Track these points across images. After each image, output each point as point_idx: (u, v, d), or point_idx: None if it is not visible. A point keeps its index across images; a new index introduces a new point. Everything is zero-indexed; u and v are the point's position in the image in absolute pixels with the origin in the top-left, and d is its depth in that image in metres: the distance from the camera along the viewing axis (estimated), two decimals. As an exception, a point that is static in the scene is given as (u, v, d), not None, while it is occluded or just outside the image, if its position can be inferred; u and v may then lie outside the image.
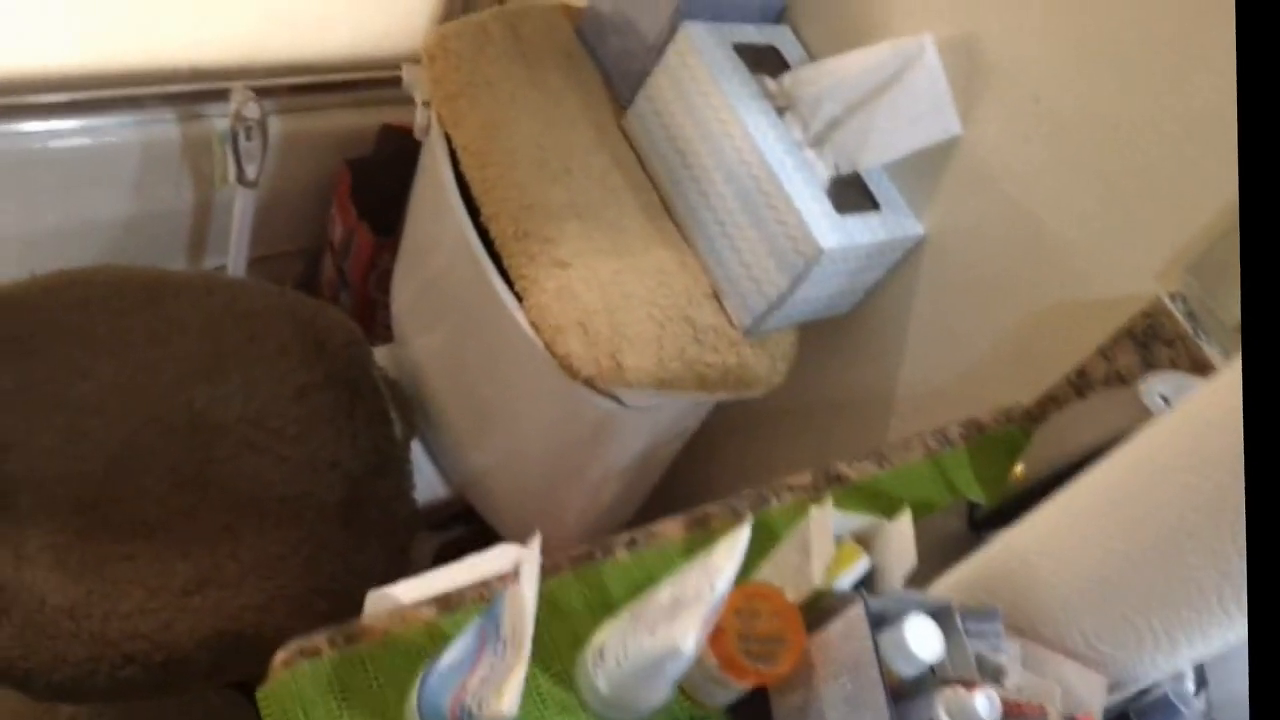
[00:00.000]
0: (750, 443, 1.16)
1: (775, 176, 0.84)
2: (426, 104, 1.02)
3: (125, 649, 0.91)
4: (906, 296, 0.94)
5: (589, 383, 0.88)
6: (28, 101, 1.21)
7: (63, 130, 1.24)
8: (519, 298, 0.91)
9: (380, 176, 1.36)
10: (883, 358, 0.98)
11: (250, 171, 1.22)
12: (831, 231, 0.83)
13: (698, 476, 1.24)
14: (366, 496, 1.06)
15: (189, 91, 1.30)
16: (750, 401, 0.96)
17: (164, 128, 1.29)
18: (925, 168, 0.89)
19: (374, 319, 1.44)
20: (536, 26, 1.02)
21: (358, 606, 1.03)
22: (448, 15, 1.41)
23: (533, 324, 0.89)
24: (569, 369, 0.88)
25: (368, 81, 1.42)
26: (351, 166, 1.37)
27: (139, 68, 1.26)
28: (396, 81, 1.42)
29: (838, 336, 1.01)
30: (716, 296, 0.92)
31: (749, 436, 1.16)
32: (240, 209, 1.27)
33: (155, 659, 0.92)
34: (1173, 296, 0.75)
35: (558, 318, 0.88)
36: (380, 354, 1.19)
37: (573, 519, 1.10)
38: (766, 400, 0.96)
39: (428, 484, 1.15)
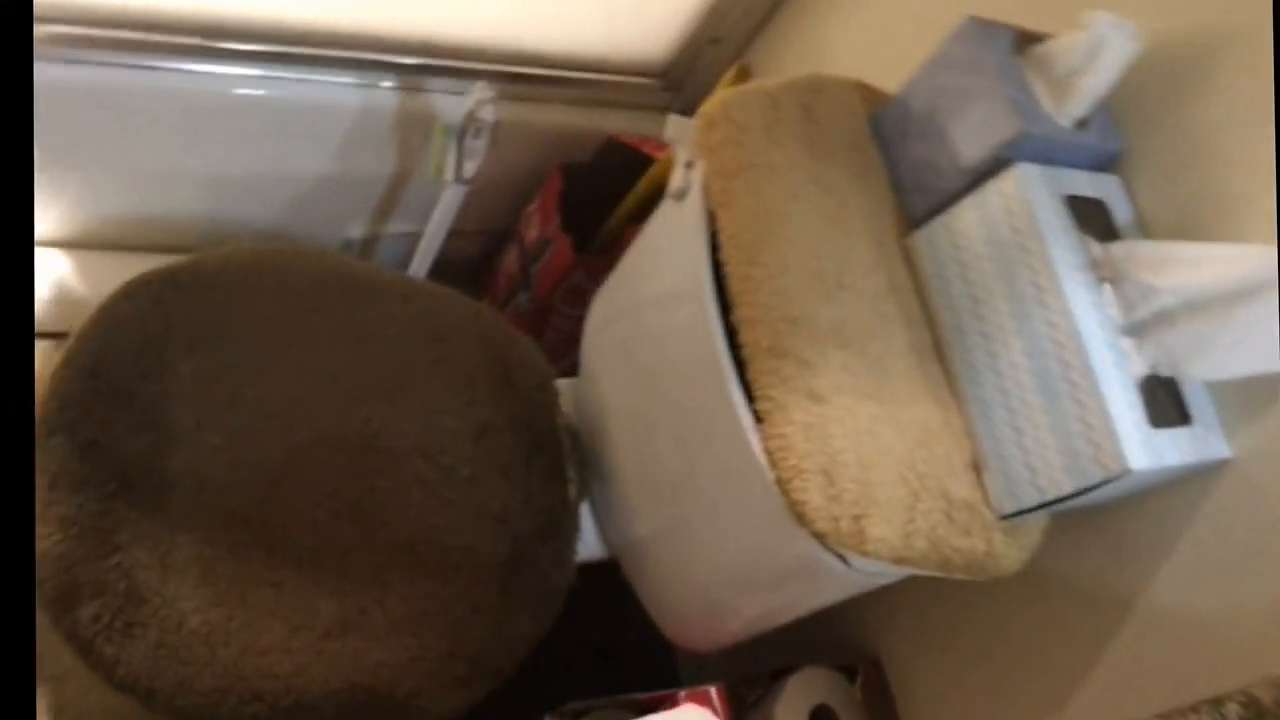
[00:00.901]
0: (938, 606, 1.06)
1: (1090, 369, 0.73)
2: (689, 165, 0.92)
3: (256, 687, 0.86)
4: (1188, 510, 0.82)
5: (818, 537, 0.78)
6: (252, 49, 1.14)
7: (281, 79, 1.18)
8: (757, 416, 0.82)
9: (593, 190, 1.27)
10: (1133, 564, 0.87)
11: (468, 169, 1.14)
12: (1142, 449, 0.72)
13: (861, 616, 1.15)
14: (527, 560, 0.99)
15: (415, 64, 1.22)
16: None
17: (382, 95, 1.23)
18: (1252, 388, 0.77)
19: (548, 326, 1.37)
20: (831, 109, 0.91)
21: (497, 676, 0.97)
22: (700, 33, 1.31)
23: (768, 452, 0.80)
24: (800, 516, 0.78)
25: (597, 83, 1.33)
26: (565, 171, 1.29)
27: (368, 30, 1.19)
28: (631, 89, 1.34)
29: (1088, 522, 0.90)
30: (976, 468, 0.81)
31: (939, 598, 1.06)
32: (447, 201, 1.20)
33: (283, 702, 0.87)
34: None
35: (801, 458, 0.78)
36: (561, 385, 1.11)
37: (728, 627, 1.01)
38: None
39: (585, 543, 1.08)
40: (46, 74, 1.07)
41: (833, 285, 0.84)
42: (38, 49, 1.05)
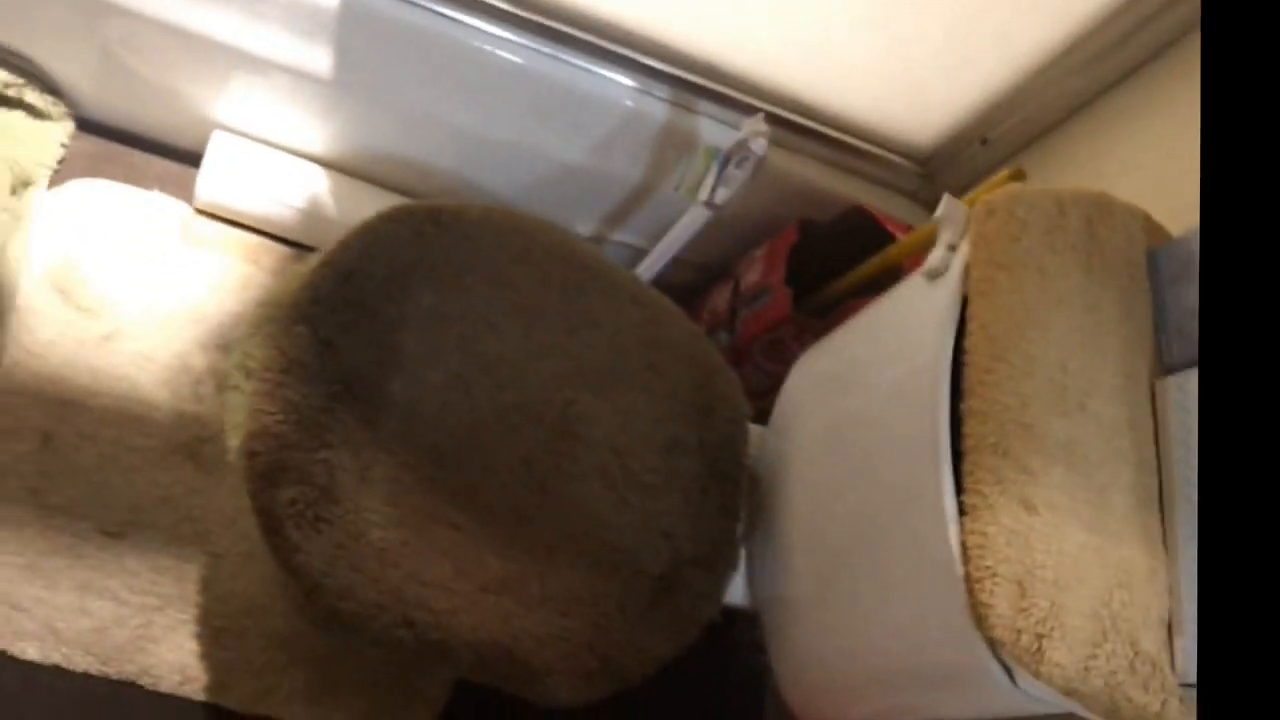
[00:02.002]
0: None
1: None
2: (952, 248, 0.94)
3: (410, 614, 0.90)
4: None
5: (992, 643, 0.78)
6: (551, 25, 1.22)
7: (567, 63, 1.24)
8: (961, 509, 0.82)
9: (825, 252, 1.29)
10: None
11: (721, 195, 1.18)
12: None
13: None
14: (681, 582, 1.01)
15: (693, 82, 1.27)
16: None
17: (653, 104, 1.28)
18: None
19: (739, 373, 1.39)
20: (1113, 231, 0.92)
21: (621, 682, 0.99)
22: (972, 130, 1.33)
23: (965, 547, 0.80)
24: (981, 619, 0.78)
25: (859, 151, 1.36)
26: (802, 227, 1.32)
27: (659, 38, 1.24)
28: (887, 165, 1.37)
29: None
30: (1170, 627, 0.80)
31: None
32: (688, 222, 1.24)
33: (430, 636, 0.90)
34: None
35: (998, 562, 0.78)
36: (750, 430, 1.13)
37: (855, 713, 1.01)
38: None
39: (734, 588, 1.09)
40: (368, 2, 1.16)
41: (1073, 403, 0.83)
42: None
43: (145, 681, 1.15)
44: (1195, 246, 0.89)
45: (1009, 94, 1.30)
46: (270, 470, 0.89)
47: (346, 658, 1.22)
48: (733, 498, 1.05)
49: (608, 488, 1.00)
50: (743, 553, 1.11)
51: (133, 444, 1.22)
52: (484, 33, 1.19)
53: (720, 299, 1.42)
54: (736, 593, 1.10)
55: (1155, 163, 1.16)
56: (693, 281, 1.53)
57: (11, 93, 1.25)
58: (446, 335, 0.98)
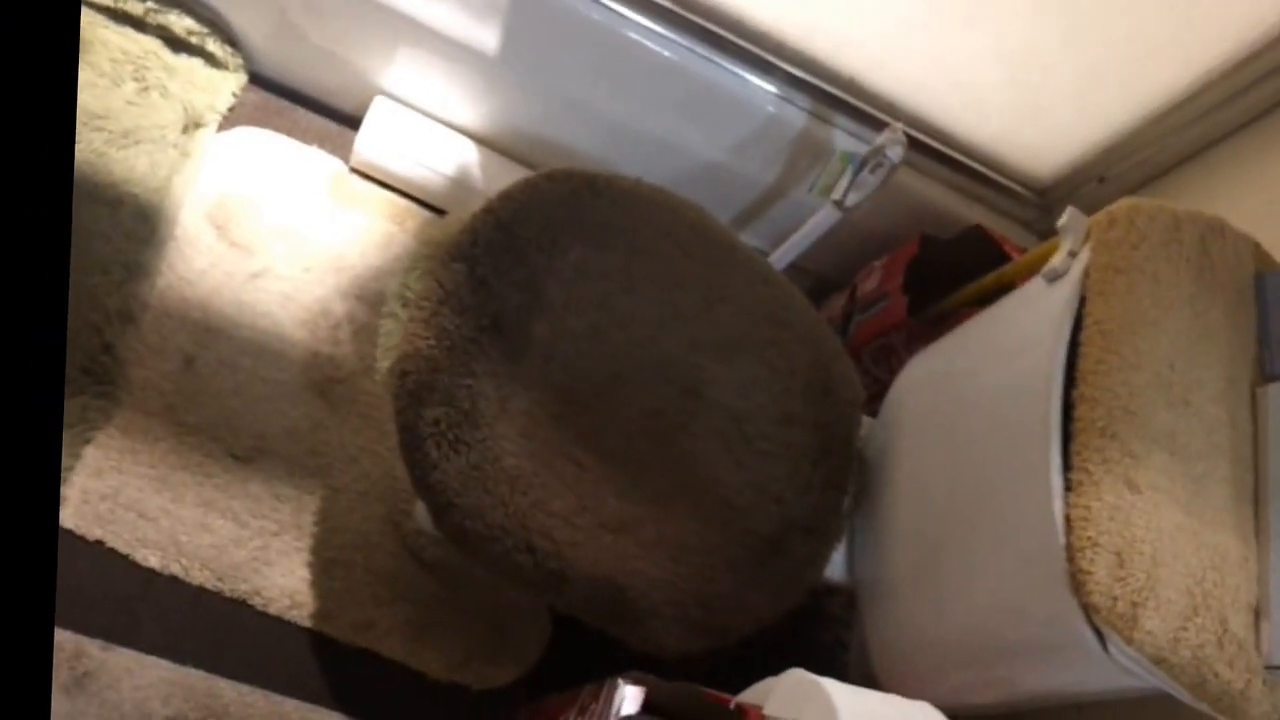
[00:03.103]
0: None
1: None
2: (1074, 254, 1.04)
3: (533, 541, 1.00)
4: None
5: (1089, 609, 0.87)
6: (706, 26, 1.34)
7: (717, 64, 1.37)
8: (1067, 484, 0.91)
9: (943, 266, 1.40)
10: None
11: (852, 199, 1.29)
12: None
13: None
14: (788, 546, 1.10)
15: (833, 95, 1.39)
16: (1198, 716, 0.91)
17: (793, 111, 1.39)
18: None
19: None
20: (1225, 252, 1.01)
21: (722, 634, 1.08)
22: (1090, 167, 1.44)
23: (1068, 520, 0.89)
24: (1079, 586, 0.87)
25: (984, 178, 1.47)
26: (923, 241, 1.42)
27: (807, 50, 1.36)
28: (1006, 192, 1.48)
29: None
30: (1258, 613, 0.88)
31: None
32: (817, 222, 1.35)
33: (548, 564, 1.01)
34: None
35: (1099, 533, 0.87)
36: (864, 423, 1.23)
37: (948, 691, 1.08)
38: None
39: (833, 564, 1.18)
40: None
41: (1177, 397, 0.93)
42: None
43: (256, 602, 1.26)
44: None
45: (1129, 136, 1.40)
46: (419, 390, 1.01)
47: (447, 601, 1.33)
48: (842, 474, 1.14)
49: (725, 449, 1.10)
50: (846, 533, 1.21)
51: (268, 376, 1.36)
52: (644, 28, 1.32)
53: (835, 306, 1.53)
54: (835, 569, 1.20)
55: (1264, 208, 1.25)
56: (810, 289, 1.64)
57: (195, 40, 1.41)
58: (589, 290, 1.10)
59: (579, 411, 1.06)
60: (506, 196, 1.09)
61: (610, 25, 1.32)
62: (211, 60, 1.44)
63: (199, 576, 1.24)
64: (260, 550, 1.28)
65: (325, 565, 1.30)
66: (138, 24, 1.40)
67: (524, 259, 1.08)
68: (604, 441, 1.06)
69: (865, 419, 1.24)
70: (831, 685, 0.79)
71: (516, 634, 1.34)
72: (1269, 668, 0.86)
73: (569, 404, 1.06)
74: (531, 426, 1.04)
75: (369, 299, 1.44)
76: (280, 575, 1.28)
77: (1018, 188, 1.49)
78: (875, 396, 1.28)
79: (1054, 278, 1.06)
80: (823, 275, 1.62)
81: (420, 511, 1.11)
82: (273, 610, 1.26)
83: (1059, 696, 1.02)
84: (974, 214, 1.47)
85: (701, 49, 1.34)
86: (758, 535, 1.08)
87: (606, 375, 1.08)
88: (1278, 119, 1.30)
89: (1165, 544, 0.87)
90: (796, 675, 0.82)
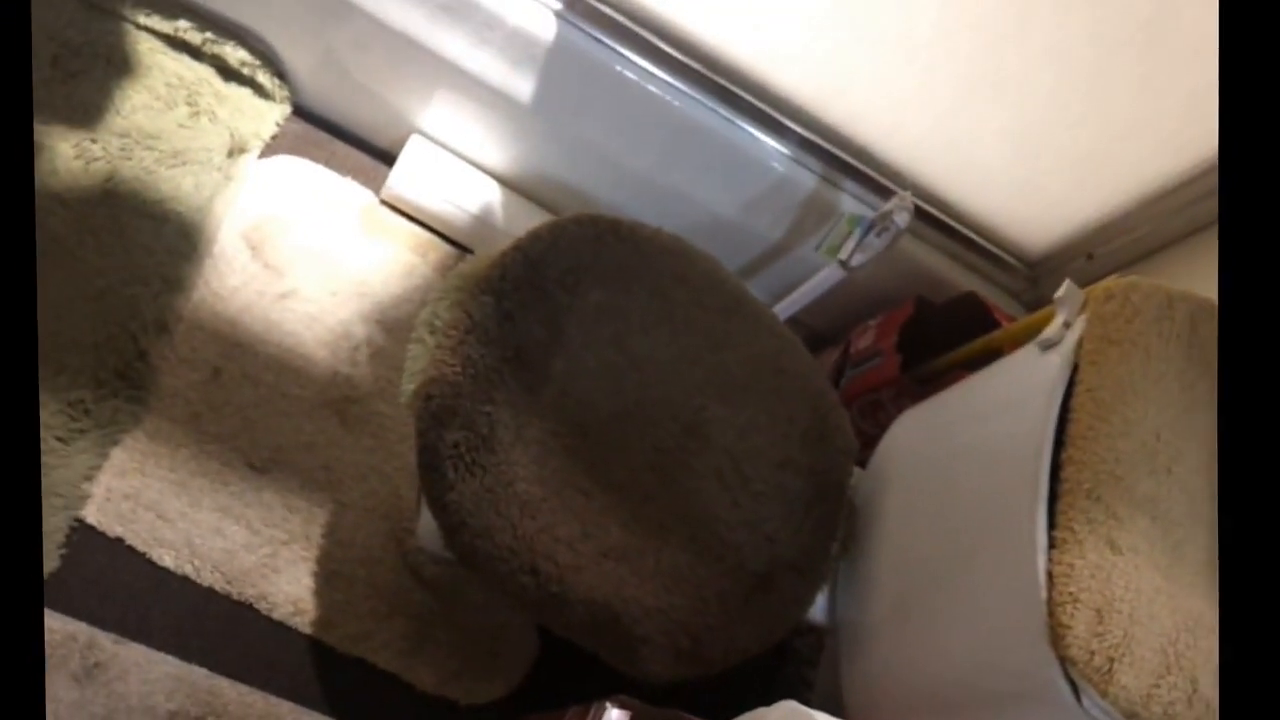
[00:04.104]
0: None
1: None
2: (1068, 325, 1.05)
3: (538, 564, 1.00)
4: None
5: (1066, 661, 0.87)
6: (731, 90, 1.37)
7: (736, 125, 1.39)
8: (1051, 543, 0.92)
9: (937, 328, 1.41)
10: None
11: (857, 260, 1.31)
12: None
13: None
14: (777, 584, 1.11)
15: (843, 160, 1.42)
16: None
17: (804, 174, 1.42)
18: None
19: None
20: (1213, 332, 1.03)
21: (707, 665, 1.08)
22: (1080, 244, 1.47)
23: (1050, 575, 0.90)
24: (1057, 640, 0.87)
25: (979, 247, 1.49)
26: (918, 303, 1.44)
27: (823, 117, 1.39)
28: (998, 261, 1.50)
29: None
30: (1227, 676, 0.89)
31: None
32: (821, 279, 1.37)
33: (550, 588, 1.01)
34: None
35: (1081, 590, 0.88)
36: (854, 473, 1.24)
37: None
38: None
39: (817, 605, 1.19)
40: (570, 39, 1.33)
41: (1161, 466, 0.94)
42: (575, 18, 1.31)
43: (262, 606, 1.25)
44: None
45: (1121, 217, 1.43)
46: (442, 413, 1.01)
47: (442, 618, 1.32)
48: (832, 519, 1.15)
49: (724, 488, 1.11)
50: (835, 580, 1.21)
51: (289, 392, 1.36)
52: (671, 86, 1.34)
53: (829, 360, 1.54)
54: (816, 610, 1.20)
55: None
56: (805, 341, 1.65)
57: (246, 71, 1.43)
58: (607, 330, 1.11)
59: (589, 444, 1.07)
60: (536, 236, 1.11)
61: (639, 82, 1.34)
62: (260, 91, 1.46)
63: (210, 578, 1.24)
64: (269, 557, 1.28)
65: (329, 576, 1.30)
66: (195, 53, 1.42)
67: (548, 296, 1.09)
68: (610, 473, 1.07)
69: (856, 469, 1.25)
70: (823, 718, 0.80)
71: (506, 653, 1.33)
72: (1235, 727, 0.87)
73: (580, 436, 1.07)
74: (544, 455, 1.04)
75: (389, 325, 1.45)
76: (286, 582, 1.28)
77: (1010, 259, 1.51)
78: (863, 448, 1.29)
79: (1048, 346, 1.08)
80: (818, 329, 1.64)
81: (422, 530, 1.11)
82: (277, 615, 1.26)
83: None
84: (968, 281, 1.49)
85: (723, 109, 1.37)
86: (749, 571, 1.09)
87: (617, 411, 1.09)
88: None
89: (1143, 604, 0.88)
90: (789, 706, 0.82)
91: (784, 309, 1.42)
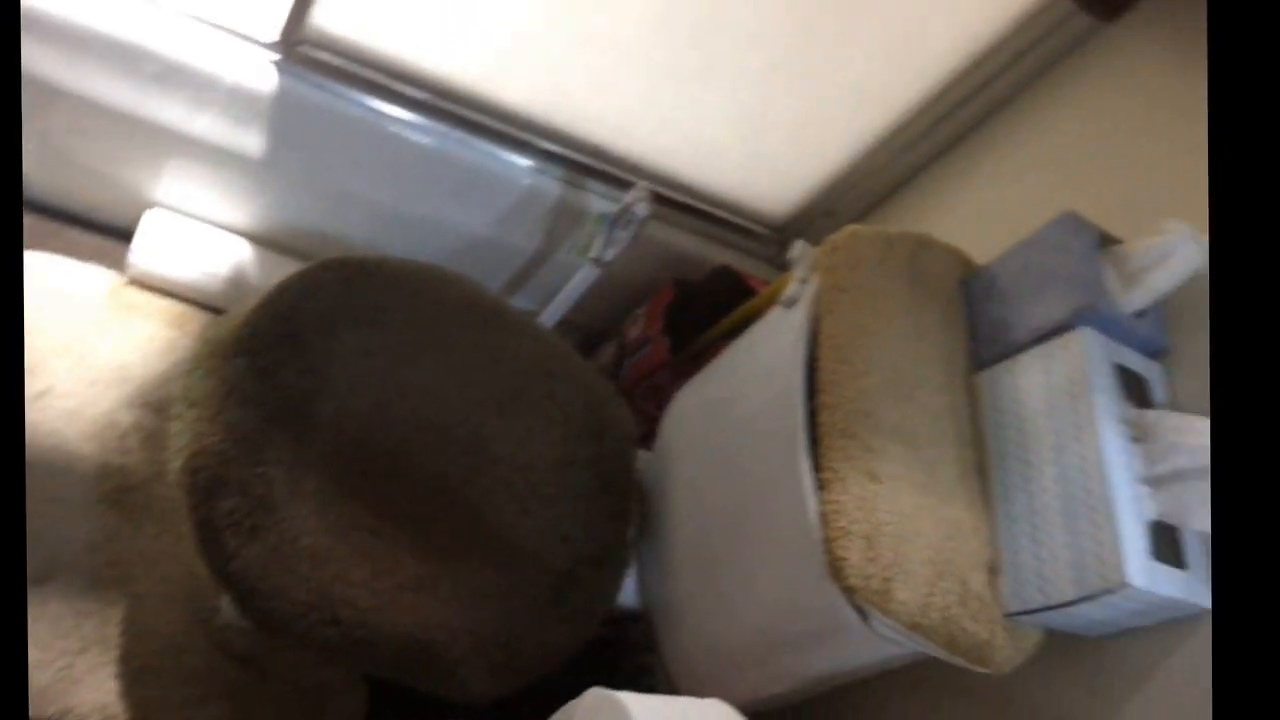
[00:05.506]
0: (931, 704, 1.16)
1: (1110, 500, 0.87)
2: (804, 281, 1.10)
3: (339, 613, 0.98)
4: (1162, 654, 0.94)
5: (849, 591, 0.91)
6: (460, 113, 1.36)
7: (473, 145, 1.38)
8: (820, 485, 0.95)
9: (698, 306, 1.45)
10: (1106, 696, 0.98)
11: (608, 255, 1.33)
12: (1141, 570, 0.84)
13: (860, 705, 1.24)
14: (579, 580, 1.11)
15: (582, 163, 1.43)
16: (959, 671, 0.96)
17: (548, 182, 1.42)
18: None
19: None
20: (934, 263, 1.09)
21: (528, 673, 1.08)
22: (818, 204, 1.52)
23: (822, 515, 0.94)
24: (837, 572, 0.91)
25: (725, 222, 1.53)
26: (678, 285, 1.47)
27: (554, 124, 1.40)
28: (747, 233, 1.54)
29: (1076, 655, 1.01)
30: (992, 570, 0.94)
31: (933, 698, 1.16)
32: (579, 280, 1.38)
33: (355, 633, 0.98)
34: None
35: (850, 522, 0.91)
36: (640, 457, 1.26)
37: (743, 690, 1.10)
38: (974, 678, 0.97)
39: (627, 592, 1.20)
40: (294, 89, 1.29)
41: (904, 395, 0.99)
42: (295, 68, 1.28)
43: (69, 720, 1.18)
44: (1001, 271, 1.07)
45: (846, 173, 1.50)
46: (211, 484, 0.97)
47: (262, 690, 1.26)
48: (623, 506, 1.16)
49: (511, 498, 1.10)
50: (635, 561, 1.22)
51: (58, 495, 1.27)
52: (401, 120, 1.32)
53: (608, 354, 1.56)
54: (629, 595, 1.21)
55: (965, 221, 1.36)
56: (583, 341, 1.67)
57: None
58: (370, 368, 1.09)
59: (370, 482, 1.04)
60: (283, 289, 1.07)
61: (370, 120, 1.32)
62: (-30, 190, 1.36)
63: (5, 707, 1.15)
64: (65, 670, 1.19)
65: (135, 674, 1.22)
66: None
67: (304, 346, 1.06)
68: (397, 507, 1.04)
69: (642, 453, 1.26)
70: (626, 696, 0.80)
71: (334, 709, 1.28)
72: (1007, 615, 0.92)
73: (360, 476, 1.04)
74: (326, 503, 1.01)
75: (156, 405, 1.38)
76: (89, 691, 1.19)
77: (758, 228, 1.56)
78: (652, 432, 1.32)
79: (790, 304, 1.12)
80: (594, 326, 1.65)
81: (227, 605, 1.06)
82: (86, 726, 1.18)
83: (841, 675, 1.05)
84: (721, 256, 1.53)
85: (457, 133, 1.36)
86: (550, 574, 1.09)
87: (394, 445, 1.07)
88: (966, 147, 1.41)
89: (907, 524, 0.92)
90: (594, 693, 0.82)
91: (551, 314, 1.43)
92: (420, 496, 1.06)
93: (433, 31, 1.27)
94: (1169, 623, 0.93)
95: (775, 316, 1.14)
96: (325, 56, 1.26)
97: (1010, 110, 1.36)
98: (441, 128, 1.35)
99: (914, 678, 1.14)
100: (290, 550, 0.97)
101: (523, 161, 1.40)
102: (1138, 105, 1.18)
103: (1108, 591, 0.85)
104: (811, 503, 0.95)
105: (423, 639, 1.01)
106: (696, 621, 1.14)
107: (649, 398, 1.46)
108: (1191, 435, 0.90)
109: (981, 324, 1.07)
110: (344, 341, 1.08)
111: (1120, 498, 0.87)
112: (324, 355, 1.06)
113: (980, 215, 1.35)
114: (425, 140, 1.34)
